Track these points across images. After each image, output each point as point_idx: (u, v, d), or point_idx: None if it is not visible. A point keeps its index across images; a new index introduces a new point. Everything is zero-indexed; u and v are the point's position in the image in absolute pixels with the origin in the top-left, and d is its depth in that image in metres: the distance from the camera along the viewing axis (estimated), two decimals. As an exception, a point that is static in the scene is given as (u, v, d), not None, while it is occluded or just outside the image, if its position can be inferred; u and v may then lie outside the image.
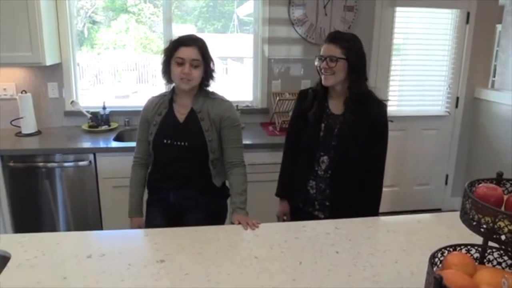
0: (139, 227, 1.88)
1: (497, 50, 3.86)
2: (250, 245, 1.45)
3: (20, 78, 3.02)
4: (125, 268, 1.27)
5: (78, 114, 3.11)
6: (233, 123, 1.84)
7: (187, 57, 1.71)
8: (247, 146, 2.38)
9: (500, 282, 0.86)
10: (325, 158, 1.82)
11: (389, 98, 3.60)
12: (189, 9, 5.33)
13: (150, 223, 1.90)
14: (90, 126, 3.03)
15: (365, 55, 1.77)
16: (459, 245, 1.04)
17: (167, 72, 1.79)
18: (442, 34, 3.55)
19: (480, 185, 1.11)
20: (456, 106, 3.72)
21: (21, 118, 2.85)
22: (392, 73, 3.56)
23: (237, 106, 3.11)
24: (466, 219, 1.07)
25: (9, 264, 1.27)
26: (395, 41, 3.47)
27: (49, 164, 2.62)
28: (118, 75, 7.60)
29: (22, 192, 2.65)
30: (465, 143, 3.80)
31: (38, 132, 2.94)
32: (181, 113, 1.83)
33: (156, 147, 1.84)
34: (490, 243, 1.04)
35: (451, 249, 1.01)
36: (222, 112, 1.82)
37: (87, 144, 2.73)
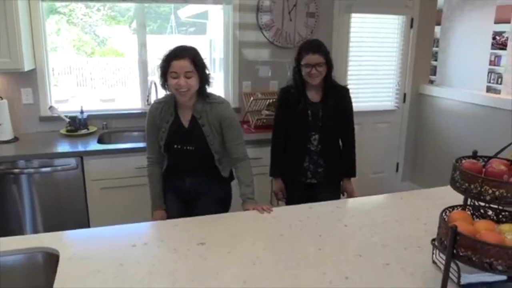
0: (162, 219, 2.02)
1: (437, 51, 4.38)
2: (272, 226, 1.66)
3: (-8, 84, 2.97)
4: (172, 252, 1.43)
5: (54, 119, 3.11)
6: (231, 123, 2.01)
7: (179, 70, 1.83)
8: None
9: (493, 229, 1.16)
10: (316, 136, 2.34)
11: (347, 95, 3.97)
12: (123, 10, 5.26)
13: (167, 209, 2.07)
14: (68, 131, 3.05)
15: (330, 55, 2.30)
16: (456, 206, 1.34)
17: (165, 85, 1.92)
18: (391, 37, 3.98)
19: (463, 161, 1.42)
20: (404, 101, 4.18)
21: (-1, 125, 2.81)
22: (349, 72, 3.92)
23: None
24: (457, 187, 1.37)
25: (61, 258, 1.37)
26: (351, 43, 3.83)
27: (33, 170, 2.62)
28: (55, 79, 7.34)
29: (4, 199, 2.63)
30: (412, 134, 4.28)
31: (15, 139, 2.91)
32: (185, 119, 2.00)
33: (168, 150, 2.03)
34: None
35: (451, 209, 1.31)
36: (219, 115, 1.98)
37: (69, 148, 2.76)
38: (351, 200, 1.97)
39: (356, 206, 1.86)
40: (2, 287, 1.38)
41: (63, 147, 2.79)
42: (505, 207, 1.31)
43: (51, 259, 1.41)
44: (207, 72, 1.94)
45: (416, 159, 4.29)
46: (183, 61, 1.84)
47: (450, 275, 1.25)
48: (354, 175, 2.48)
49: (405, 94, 4.17)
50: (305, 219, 1.71)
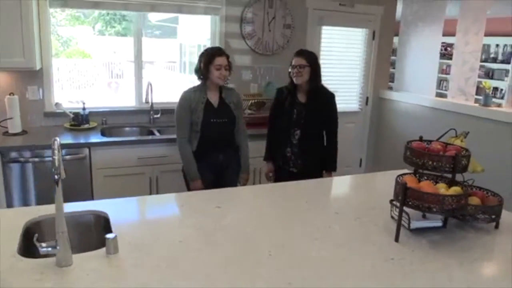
0: (200, 188, 2.60)
1: (394, 60, 4.99)
2: (279, 193, 2.11)
3: (0, 82, 3.25)
4: (213, 208, 1.84)
5: (57, 114, 3.43)
6: (242, 106, 2.92)
7: (222, 63, 2.61)
8: None
9: (431, 186, 1.66)
10: (298, 131, 2.79)
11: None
12: (87, 11, 5.46)
13: (202, 178, 2.68)
14: (71, 125, 3.37)
15: (319, 64, 2.77)
16: (406, 173, 1.83)
17: (206, 73, 2.62)
18: (356, 48, 4.54)
19: (412, 143, 1.93)
20: (366, 104, 4.75)
21: (10, 118, 3.10)
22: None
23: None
24: (407, 161, 1.87)
25: (112, 223, 1.75)
26: (322, 53, 4.35)
27: (46, 158, 2.94)
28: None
29: (18, 186, 2.93)
30: (374, 133, 4.86)
31: (24, 132, 3.20)
32: (214, 101, 2.70)
33: (205, 125, 2.62)
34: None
35: (403, 175, 1.80)
36: (237, 97, 2.82)
37: (76, 140, 3.09)
38: (328, 178, 2.48)
39: (333, 183, 2.35)
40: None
41: (71, 139, 3.11)
42: (443, 174, 1.81)
43: (99, 221, 1.79)
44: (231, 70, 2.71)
45: (377, 155, 4.87)
46: (224, 57, 2.62)
47: (403, 222, 1.75)
48: (334, 169, 2.88)
49: (367, 98, 4.74)
50: (295, 191, 2.17)
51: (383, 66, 4.69)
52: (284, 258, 1.49)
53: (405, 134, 4.41)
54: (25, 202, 2.96)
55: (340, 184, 2.37)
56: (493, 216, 1.80)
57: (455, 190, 1.65)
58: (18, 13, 2.92)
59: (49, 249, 1.35)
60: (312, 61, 2.72)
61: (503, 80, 7.16)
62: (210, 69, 2.60)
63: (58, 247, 1.35)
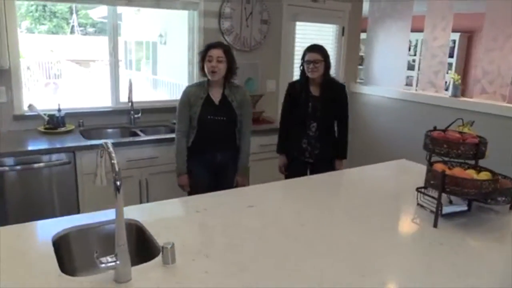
0: (185, 183, 2.60)
1: (361, 55, 5.17)
2: (305, 186, 2.10)
3: (-38, 83, 2.91)
4: (245, 207, 1.78)
5: (28, 117, 3.14)
6: (249, 104, 2.77)
7: (214, 55, 2.52)
8: None
9: (464, 172, 1.74)
10: (314, 124, 2.87)
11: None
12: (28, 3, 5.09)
13: (197, 179, 2.60)
14: (46, 128, 3.10)
15: (329, 57, 2.81)
16: (436, 162, 1.90)
17: (202, 68, 2.54)
18: (328, 43, 4.62)
19: (432, 132, 2.01)
20: (337, 98, 4.87)
21: (-21, 123, 2.79)
22: (294, 73, 4.47)
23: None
24: (428, 148, 1.94)
25: (148, 230, 1.64)
26: (296, 48, 4.39)
27: (25, 166, 2.67)
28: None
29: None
30: (345, 126, 4.99)
31: (-7, 137, 2.89)
32: (215, 98, 2.62)
33: (201, 121, 2.53)
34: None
35: (433, 163, 1.87)
36: (243, 94, 2.71)
37: (54, 144, 2.82)
38: (344, 171, 2.57)
39: (350, 174, 2.40)
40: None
41: (50, 143, 2.86)
42: (466, 160, 1.91)
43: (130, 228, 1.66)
44: (234, 64, 2.59)
45: (350, 145, 5.00)
46: (219, 49, 2.54)
47: (434, 209, 1.82)
48: (345, 157, 3.02)
49: (338, 92, 4.86)
50: (321, 183, 2.18)
51: (352, 61, 4.83)
52: (352, 250, 1.48)
53: (375, 123, 4.59)
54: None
55: (353, 176, 2.42)
56: (510, 198, 1.93)
57: (486, 175, 1.75)
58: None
59: (109, 264, 1.23)
60: (325, 55, 2.81)
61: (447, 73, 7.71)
62: (205, 63, 2.56)
63: (118, 262, 1.23)
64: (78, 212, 2.91)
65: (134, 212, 1.72)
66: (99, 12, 10.88)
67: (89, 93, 8.33)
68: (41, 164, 2.72)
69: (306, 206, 1.90)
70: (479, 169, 1.80)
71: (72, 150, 2.81)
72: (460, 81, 3.73)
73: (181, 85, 7.52)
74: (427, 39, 4.00)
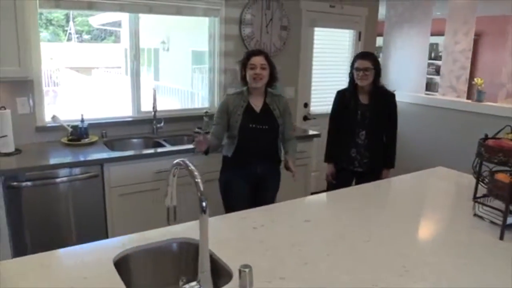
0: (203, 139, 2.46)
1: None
2: (354, 197, 2.03)
3: (-16, 95, 2.82)
4: (302, 221, 1.71)
5: (50, 129, 3.06)
6: (290, 112, 2.71)
7: (257, 63, 2.47)
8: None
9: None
10: (363, 132, 2.84)
11: (312, 99, 4.47)
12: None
13: (237, 190, 2.52)
14: (70, 140, 3.01)
15: (380, 64, 2.76)
16: (496, 171, 1.84)
17: (243, 76, 2.50)
18: (344, 48, 4.59)
19: (486, 141, 1.96)
20: (354, 104, 4.83)
21: (5, 136, 2.69)
22: (313, 78, 4.43)
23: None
24: (482, 157, 1.89)
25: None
26: (314, 53, 4.34)
27: (58, 180, 2.59)
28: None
29: (20, 211, 2.55)
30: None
31: (18, 151, 2.79)
32: (256, 106, 2.56)
33: (242, 130, 2.46)
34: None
35: (494, 173, 1.81)
36: (285, 104, 2.65)
37: (80, 157, 2.74)
38: (384, 180, 2.52)
39: (393, 185, 2.33)
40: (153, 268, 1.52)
41: (74, 155, 2.77)
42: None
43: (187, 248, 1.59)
44: (275, 71, 2.53)
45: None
46: (261, 57, 2.50)
47: (494, 220, 1.76)
48: (393, 166, 2.96)
49: (355, 98, 4.81)
50: (366, 194, 2.11)
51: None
52: (431, 269, 1.42)
53: (399, 132, 4.53)
54: (31, 232, 2.59)
55: (398, 186, 2.36)
56: None
57: (552, 184, 1.69)
58: (13, 18, 2.54)
59: (192, 292, 1.16)
60: (376, 63, 2.78)
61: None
62: (246, 71, 2.51)
63: (202, 289, 1.16)
64: (106, 229, 2.82)
65: (188, 230, 1.65)
66: (99, 19, 10.78)
67: (101, 102, 8.22)
68: (67, 178, 2.63)
69: (361, 218, 1.83)
70: (543, 179, 1.74)
71: (100, 163, 2.72)
72: (483, 85, 3.70)
73: (185, 91, 7.45)
74: (448, 44, 3.97)
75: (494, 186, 1.72)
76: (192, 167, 1.19)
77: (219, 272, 1.41)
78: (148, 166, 2.88)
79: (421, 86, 4.37)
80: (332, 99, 4.66)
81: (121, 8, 3.19)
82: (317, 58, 4.38)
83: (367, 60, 2.75)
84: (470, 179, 2.35)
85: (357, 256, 1.50)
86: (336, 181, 2.99)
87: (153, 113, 3.38)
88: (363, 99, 2.85)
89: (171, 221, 1.42)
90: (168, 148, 3.06)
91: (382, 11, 4.66)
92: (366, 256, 1.49)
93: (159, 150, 2.97)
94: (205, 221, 1.12)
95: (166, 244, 1.56)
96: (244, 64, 2.52)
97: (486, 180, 2.03)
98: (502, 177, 1.75)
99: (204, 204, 1.11)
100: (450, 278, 1.37)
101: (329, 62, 4.51)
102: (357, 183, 2.93)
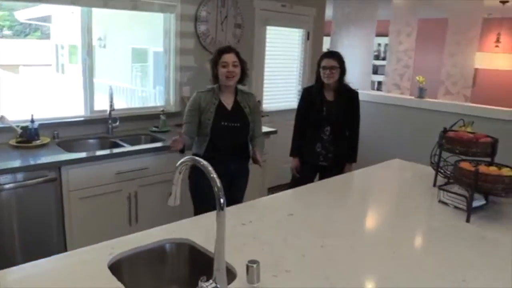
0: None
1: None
2: (326, 190, 2.11)
3: None
4: (286, 215, 1.74)
5: (-5, 130, 2.81)
6: (260, 111, 2.78)
7: (229, 60, 2.45)
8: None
9: (493, 170, 1.87)
10: (328, 128, 2.97)
11: (264, 96, 4.53)
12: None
13: (210, 192, 2.32)
14: (19, 142, 2.79)
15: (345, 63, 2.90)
16: (459, 160, 2.01)
17: (214, 74, 2.47)
18: (295, 47, 4.71)
19: (448, 133, 2.14)
20: (304, 101, 4.98)
21: None
22: (265, 76, 4.49)
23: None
24: (444, 147, 2.07)
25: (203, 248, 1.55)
26: (267, 52, 4.41)
27: (6, 186, 2.38)
28: None
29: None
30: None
31: (-40, 155, 2.54)
32: (227, 103, 2.54)
33: (215, 128, 2.45)
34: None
35: (459, 162, 1.98)
36: (255, 102, 2.67)
37: (31, 160, 2.56)
38: (349, 173, 2.63)
39: (361, 175, 2.46)
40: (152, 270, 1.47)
41: (25, 159, 2.57)
42: (482, 158, 2.05)
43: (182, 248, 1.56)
44: (246, 68, 2.54)
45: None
46: (232, 54, 2.48)
47: (458, 205, 1.93)
48: (355, 160, 3.09)
49: (304, 95, 4.96)
50: (339, 186, 2.20)
51: (316, 64, 4.95)
52: (404, 252, 1.52)
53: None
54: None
55: (362, 178, 2.48)
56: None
57: (507, 170, 1.89)
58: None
59: (210, 289, 1.14)
60: (341, 62, 2.90)
61: (383, 74, 8.22)
62: (218, 69, 2.48)
63: (218, 286, 1.15)
64: (64, 237, 2.66)
65: (178, 230, 1.61)
66: (26, 13, 10.00)
67: (35, 101, 7.63)
68: (14, 184, 2.42)
69: (338, 210, 1.92)
70: (500, 166, 1.94)
71: (58, 165, 2.55)
72: (424, 83, 4.00)
73: (125, 89, 7.19)
74: (392, 44, 4.24)
75: (460, 174, 1.88)
76: (204, 162, 1.17)
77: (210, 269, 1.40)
78: (109, 167, 2.75)
79: (366, 85, 4.62)
80: (284, 97, 4.82)
81: (73, 1, 3.01)
82: (269, 56, 4.45)
83: (333, 59, 2.87)
84: (425, 169, 2.56)
85: (348, 245, 1.57)
86: (301, 175, 3.09)
87: (108, 112, 3.23)
88: (329, 96, 2.97)
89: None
90: (129, 148, 2.95)
91: (330, 11, 4.85)
92: (355, 246, 1.57)
93: (120, 150, 2.85)
94: (222, 218, 1.11)
95: (159, 245, 1.52)
96: (216, 61, 2.49)
97: (447, 169, 2.23)
98: (466, 165, 1.92)
99: (222, 200, 1.10)
100: (426, 260, 1.48)
101: (280, 60, 4.61)
102: (321, 177, 3.06)
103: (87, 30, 3.17)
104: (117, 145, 3.10)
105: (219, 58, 2.47)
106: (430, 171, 2.52)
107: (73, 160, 2.60)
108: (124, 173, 2.81)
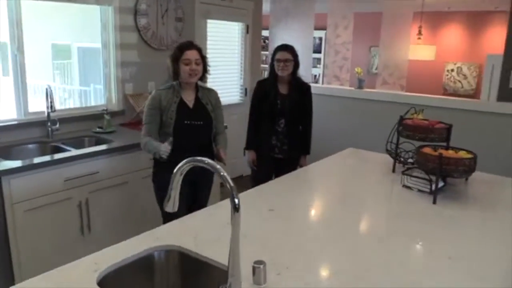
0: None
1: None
2: (292, 185, 2.11)
3: None
4: (266, 211, 1.72)
5: None
6: (221, 107, 2.61)
7: (192, 57, 2.34)
8: (136, 146, 2.77)
9: (453, 154, 2.01)
10: (282, 120, 2.98)
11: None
12: None
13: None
14: None
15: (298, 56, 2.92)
16: (422, 146, 2.13)
17: (175, 71, 2.35)
18: (235, 41, 4.67)
19: (404, 121, 2.26)
20: (246, 95, 4.97)
21: None
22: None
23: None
24: (403, 134, 2.19)
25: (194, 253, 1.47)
26: (208, 46, 4.31)
27: None
28: None
29: None
30: (253, 122, 5.12)
31: None
32: (188, 101, 2.43)
33: (177, 127, 2.33)
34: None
35: (421, 147, 2.10)
36: (216, 97, 2.57)
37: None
38: (307, 166, 2.64)
39: (323, 166, 2.51)
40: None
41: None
42: (438, 143, 2.19)
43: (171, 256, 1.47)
44: (207, 64, 2.44)
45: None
46: (194, 51, 2.37)
47: (422, 188, 2.06)
48: (308, 152, 3.12)
49: (246, 89, 4.95)
50: (306, 175, 2.23)
51: (255, 58, 4.97)
52: (395, 244, 1.59)
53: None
54: None
55: (318, 170, 2.54)
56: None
57: (464, 153, 2.05)
58: None
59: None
60: (295, 55, 2.91)
61: (316, 67, 8.50)
62: (179, 66, 2.35)
63: (233, 294, 1.10)
64: (9, 254, 2.38)
65: (163, 236, 1.52)
66: None
67: None
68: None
69: (312, 203, 1.95)
70: (457, 150, 2.09)
71: (-4, 176, 2.28)
72: (361, 74, 4.20)
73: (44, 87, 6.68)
74: (329, 37, 4.38)
75: (425, 159, 2.00)
76: (209, 161, 1.11)
77: (218, 273, 1.35)
78: (56, 174, 2.52)
79: (307, 78, 4.73)
80: (227, 92, 4.77)
81: (-4, -9, 2.68)
82: (211, 51, 4.36)
83: (287, 52, 2.88)
84: (379, 156, 2.69)
85: (339, 237, 1.59)
86: (258, 168, 3.09)
87: (47, 114, 2.95)
88: (282, 89, 2.98)
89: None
90: (75, 152, 2.71)
91: (267, 6, 4.88)
92: (345, 236, 1.60)
93: (68, 155, 2.61)
94: (237, 220, 1.06)
95: (147, 254, 1.42)
96: (177, 58, 2.35)
97: (405, 155, 2.36)
98: (428, 150, 2.05)
99: (236, 201, 1.05)
100: (411, 241, 1.57)
101: (222, 55, 4.55)
102: (277, 169, 3.07)
103: (16, 25, 2.85)
104: (60, 149, 2.84)
105: (180, 54, 2.34)
106: (385, 157, 2.66)
107: (14, 169, 2.33)
108: (72, 179, 2.58)
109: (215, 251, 1.40)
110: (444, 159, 1.92)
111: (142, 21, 3.56)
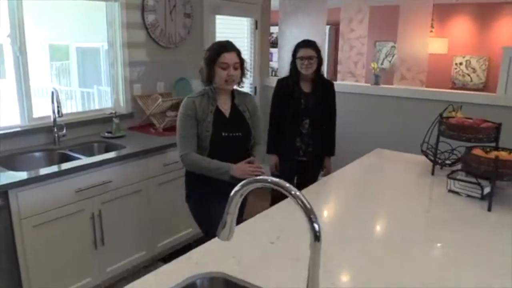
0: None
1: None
2: (324, 191, 1.93)
3: None
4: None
5: None
6: (258, 111, 2.30)
7: (230, 61, 2.04)
8: (149, 152, 2.72)
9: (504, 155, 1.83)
10: (307, 121, 2.81)
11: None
12: None
13: (213, 210, 2.02)
14: None
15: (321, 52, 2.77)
16: (472, 146, 1.95)
17: (210, 75, 2.05)
18: (243, 37, 4.48)
19: (449, 119, 2.08)
20: (255, 93, 4.78)
21: None
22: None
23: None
24: (445, 134, 2.01)
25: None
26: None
27: None
28: None
29: None
30: (267, 123, 4.93)
31: None
32: (225, 109, 2.15)
33: (215, 140, 2.05)
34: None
35: (470, 148, 1.92)
36: (253, 103, 2.29)
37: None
38: (336, 172, 2.44)
39: (350, 171, 2.33)
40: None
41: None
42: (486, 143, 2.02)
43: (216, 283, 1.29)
44: (245, 66, 2.14)
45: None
46: (233, 53, 2.06)
47: (470, 193, 1.89)
48: (333, 154, 2.96)
49: (255, 87, 4.77)
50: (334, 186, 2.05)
51: (264, 54, 4.78)
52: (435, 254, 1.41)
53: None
54: None
55: (353, 174, 2.36)
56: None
57: (517, 155, 1.87)
58: None
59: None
60: (318, 51, 2.76)
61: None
62: (215, 70, 2.05)
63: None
64: (18, 273, 2.19)
65: (203, 260, 1.34)
66: None
67: None
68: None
69: (345, 211, 1.77)
70: (510, 151, 1.92)
71: (3, 190, 2.08)
72: (378, 69, 4.02)
73: (45, 90, 6.46)
74: (343, 31, 4.20)
75: (477, 161, 1.82)
76: (273, 179, 0.92)
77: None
78: (67, 185, 2.32)
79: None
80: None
81: (-4, -12, 2.47)
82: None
83: (311, 49, 2.72)
84: (407, 156, 2.54)
85: (401, 250, 1.42)
86: (280, 172, 2.91)
87: (53, 119, 2.75)
88: (305, 87, 2.81)
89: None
90: (87, 160, 2.51)
91: (275, 1, 4.69)
92: (391, 247, 1.43)
93: (78, 163, 2.41)
94: (318, 250, 0.88)
95: (189, 283, 1.23)
96: (213, 61, 2.04)
97: (444, 155, 2.18)
98: (479, 152, 1.87)
99: (317, 227, 0.86)
100: (457, 255, 1.39)
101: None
102: (300, 172, 2.92)
103: (18, 25, 2.64)
104: (68, 157, 2.65)
105: (217, 57, 2.03)
106: (416, 158, 2.50)
107: (22, 182, 2.14)
108: (84, 190, 2.39)
109: (262, 276, 1.24)
110: (501, 162, 1.75)
111: (150, 18, 3.36)
